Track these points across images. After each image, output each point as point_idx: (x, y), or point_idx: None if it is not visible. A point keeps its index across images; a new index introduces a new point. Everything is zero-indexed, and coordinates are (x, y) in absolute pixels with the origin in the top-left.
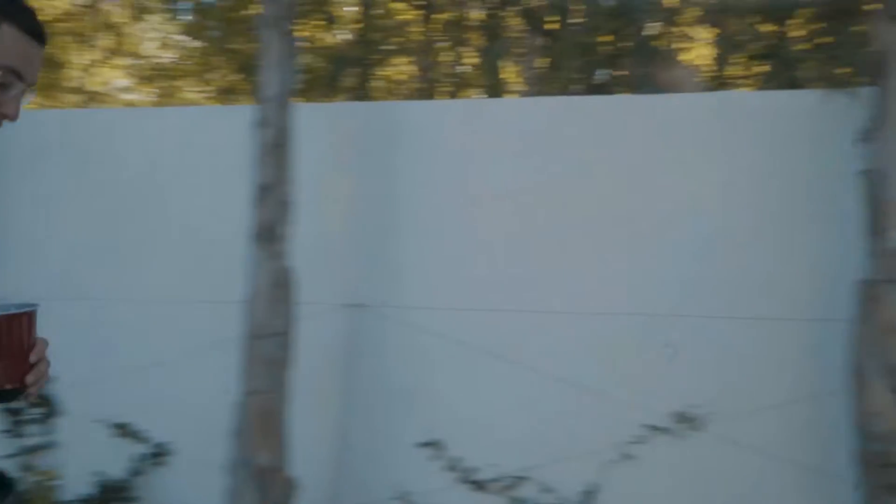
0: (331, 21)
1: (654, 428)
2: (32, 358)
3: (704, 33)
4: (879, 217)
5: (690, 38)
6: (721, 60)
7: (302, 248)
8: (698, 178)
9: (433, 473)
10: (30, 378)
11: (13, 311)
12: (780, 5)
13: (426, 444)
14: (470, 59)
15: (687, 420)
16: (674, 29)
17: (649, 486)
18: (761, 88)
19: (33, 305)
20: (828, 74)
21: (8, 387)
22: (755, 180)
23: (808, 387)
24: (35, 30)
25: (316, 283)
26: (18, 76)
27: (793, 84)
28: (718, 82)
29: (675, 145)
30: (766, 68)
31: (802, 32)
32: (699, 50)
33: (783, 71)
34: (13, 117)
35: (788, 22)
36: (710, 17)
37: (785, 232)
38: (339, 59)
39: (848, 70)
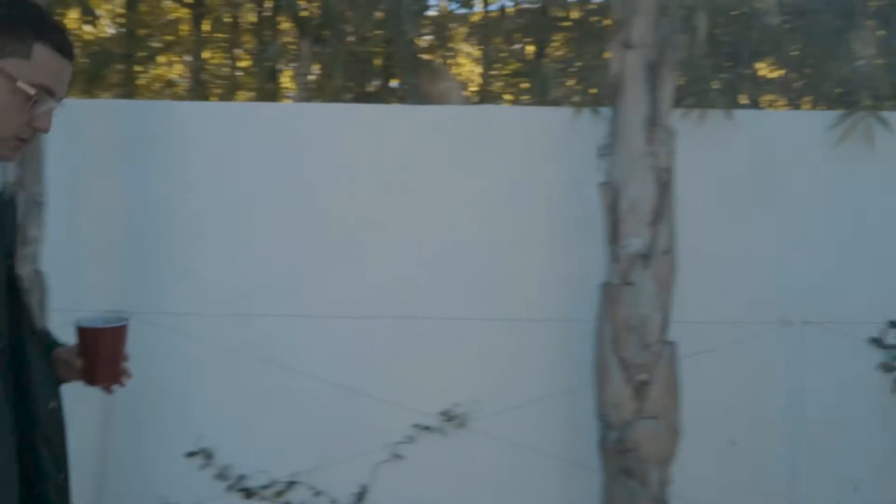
0: (90, 13)
1: (422, 427)
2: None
3: (472, 49)
4: (616, 225)
5: (459, 53)
6: (486, 76)
7: (55, 252)
8: (459, 186)
9: (202, 483)
10: (123, 378)
11: (114, 322)
12: (538, 27)
13: (194, 454)
14: (244, 62)
15: (452, 418)
16: (443, 43)
17: (418, 484)
18: (520, 104)
19: (126, 317)
20: (579, 93)
21: (111, 387)
22: (512, 190)
23: (561, 383)
24: (66, 48)
25: (71, 289)
26: (50, 92)
27: (551, 101)
28: (484, 96)
29: (439, 155)
30: (526, 85)
31: (559, 54)
32: (468, 65)
33: (540, 88)
34: (45, 130)
35: (549, 44)
36: (477, 34)
37: (538, 238)
38: (102, 55)
39: (595, 90)
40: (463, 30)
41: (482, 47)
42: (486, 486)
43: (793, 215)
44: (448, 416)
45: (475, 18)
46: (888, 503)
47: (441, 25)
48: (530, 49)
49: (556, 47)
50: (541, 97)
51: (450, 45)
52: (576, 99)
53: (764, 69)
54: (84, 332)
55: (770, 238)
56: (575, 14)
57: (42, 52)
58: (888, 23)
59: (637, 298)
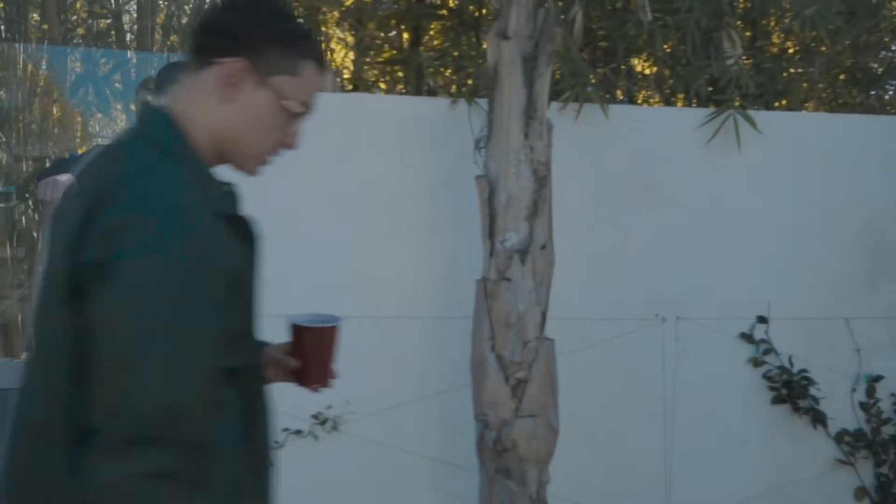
0: None
1: (292, 432)
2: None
3: (345, 35)
4: (493, 220)
5: (331, 38)
6: (359, 63)
7: None
8: (330, 177)
9: None
10: (331, 380)
11: (329, 321)
12: (414, 14)
13: None
14: None
15: (324, 421)
16: (314, 27)
17: (288, 492)
18: (395, 93)
19: (337, 315)
20: (456, 83)
21: (318, 388)
22: (386, 181)
23: (437, 383)
24: (325, 62)
25: None
26: (307, 108)
27: (427, 91)
28: (357, 84)
29: (309, 143)
30: (402, 74)
31: (436, 42)
32: (340, 51)
33: (416, 78)
34: (294, 147)
35: (425, 32)
36: (350, 19)
37: (412, 233)
38: None
39: (472, 81)
40: (335, 14)
41: (355, 33)
42: (361, 491)
43: (667, 211)
44: (320, 420)
45: (348, 3)
46: (758, 496)
47: (312, 8)
48: (406, 36)
49: (433, 36)
50: (416, 86)
51: (322, 28)
52: (452, 89)
53: (639, 65)
54: (303, 331)
55: (645, 234)
56: (452, 2)
57: (307, 68)
58: (754, 24)
59: (514, 294)
